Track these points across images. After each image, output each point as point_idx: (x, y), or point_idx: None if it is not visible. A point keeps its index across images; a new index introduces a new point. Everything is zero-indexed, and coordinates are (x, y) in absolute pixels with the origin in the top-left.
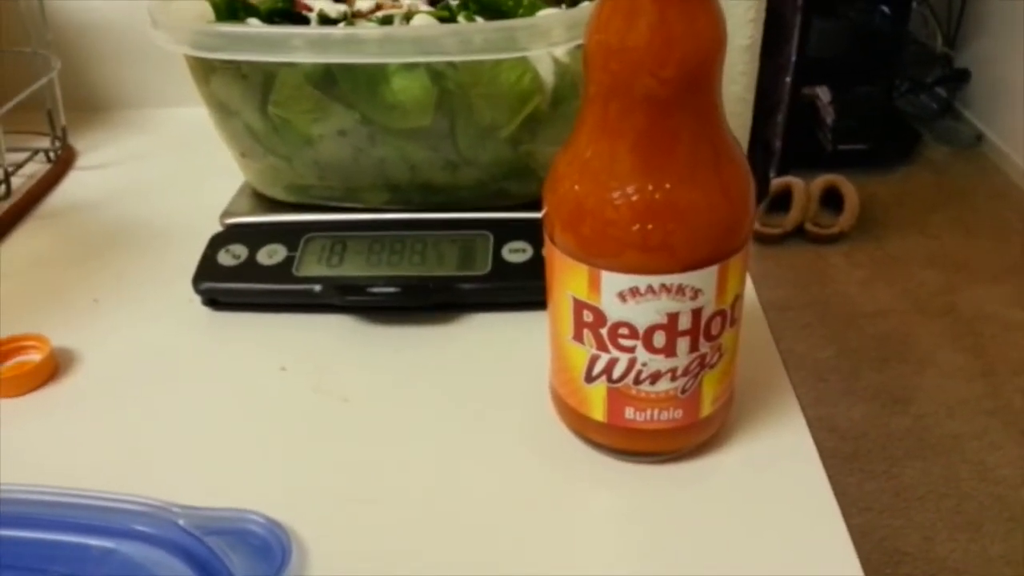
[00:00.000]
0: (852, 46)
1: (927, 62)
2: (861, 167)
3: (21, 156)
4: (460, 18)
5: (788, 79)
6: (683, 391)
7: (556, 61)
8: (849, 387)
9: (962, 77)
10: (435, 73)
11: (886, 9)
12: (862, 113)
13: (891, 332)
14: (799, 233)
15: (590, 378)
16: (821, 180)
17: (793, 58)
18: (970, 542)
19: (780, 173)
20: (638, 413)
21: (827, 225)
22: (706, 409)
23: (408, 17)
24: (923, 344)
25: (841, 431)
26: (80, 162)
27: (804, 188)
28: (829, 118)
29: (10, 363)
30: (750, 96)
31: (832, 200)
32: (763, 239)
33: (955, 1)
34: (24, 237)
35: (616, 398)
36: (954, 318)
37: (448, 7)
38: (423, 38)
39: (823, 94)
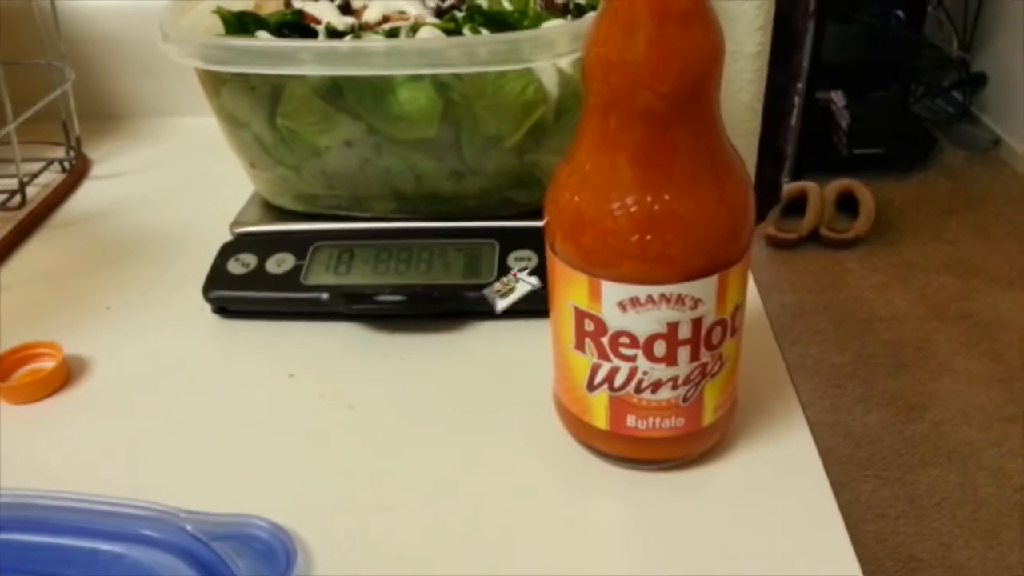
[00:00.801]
0: (867, 50)
1: (943, 66)
2: (877, 171)
3: (36, 166)
4: (466, 30)
5: (800, 85)
6: (684, 399)
7: (560, 72)
8: (864, 393)
9: (978, 81)
10: (441, 84)
11: (901, 13)
12: (877, 117)
13: (907, 338)
14: (814, 238)
15: (592, 387)
16: (836, 184)
17: (805, 64)
18: (987, 549)
19: (795, 178)
20: (640, 421)
21: (842, 230)
22: (708, 417)
23: (414, 30)
24: (939, 350)
25: (856, 437)
26: (94, 172)
27: (819, 193)
28: (844, 122)
29: (23, 370)
30: (759, 104)
31: (847, 205)
32: (778, 244)
33: (970, 5)
34: (38, 246)
35: (618, 406)
36: (971, 324)
37: (454, 19)
38: (429, 50)
39: (838, 99)
